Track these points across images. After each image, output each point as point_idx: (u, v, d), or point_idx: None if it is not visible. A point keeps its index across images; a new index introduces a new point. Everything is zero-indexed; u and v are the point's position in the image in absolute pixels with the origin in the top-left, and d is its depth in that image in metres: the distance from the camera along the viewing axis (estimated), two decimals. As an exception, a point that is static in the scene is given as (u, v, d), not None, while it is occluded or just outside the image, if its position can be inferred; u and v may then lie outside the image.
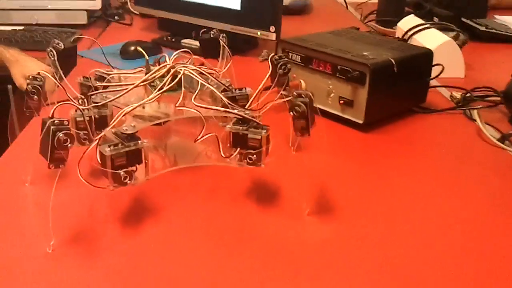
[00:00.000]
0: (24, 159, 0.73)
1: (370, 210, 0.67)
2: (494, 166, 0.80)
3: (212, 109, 0.66)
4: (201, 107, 0.64)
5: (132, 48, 1.28)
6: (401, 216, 0.66)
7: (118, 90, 0.68)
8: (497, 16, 1.72)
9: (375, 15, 1.72)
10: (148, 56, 0.72)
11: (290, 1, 1.82)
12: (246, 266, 0.56)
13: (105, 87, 0.72)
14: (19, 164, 0.73)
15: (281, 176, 0.73)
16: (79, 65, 0.78)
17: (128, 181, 0.57)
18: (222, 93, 0.69)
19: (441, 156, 0.83)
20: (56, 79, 0.67)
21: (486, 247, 0.60)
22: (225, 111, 0.64)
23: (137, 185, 0.59)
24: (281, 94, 0.78)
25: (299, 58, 0.97)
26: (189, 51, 0.77)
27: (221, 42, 0.85)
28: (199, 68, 0.72)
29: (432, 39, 1.19)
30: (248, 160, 0.61)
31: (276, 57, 0.82)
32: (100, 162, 0.56)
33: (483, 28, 1.53)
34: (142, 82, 0.67)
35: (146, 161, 0.59)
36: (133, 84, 0.67)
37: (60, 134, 0.52)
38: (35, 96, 0.64)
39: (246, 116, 0.62)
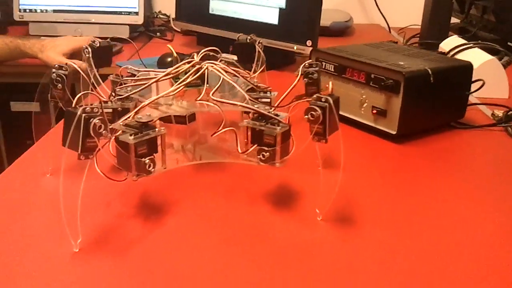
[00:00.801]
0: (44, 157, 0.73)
1: (390, 223, 0.62)
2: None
3: (232, 103, 0.64)
4: (220, 101, 0.63)
5: (169, 59, 1.29)
6: (421, 234, 0.60)
7: (143, 84, 0.68)
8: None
9: (418, 38, 1.68)
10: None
11: (331, 22, 1.81)
12: (258, 266, 0.53)
13: (131, 82, 0.72)
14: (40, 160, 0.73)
15: (303, 180, 0.70)
16: (115, 70, 0.79)
17: (152, 169, 0.56)
18: (247, 92, 0.67)
19: (478, 174, 0.77)
20: (83, 73, 0.67)
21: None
22: (245, 106, 0.62)
23: (155, 174, 0.57)
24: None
25: (332, 68, 0.94)
26: (219, 50, 0.76)
27: (257, 48, 0.84)
28: (227, 67, 0.71)
29: (475, 57, 1.14)
30: (262, 157, 0.58)
31: (307, 64, 0.80)
32: (119, 153, 0.55)
33: (530, 52, 1.47)
34: (166, 75, 0.66)
35: (163, 149, 0.58)
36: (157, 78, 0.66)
37: (96, 120, 0.51)
38: (59, 85, 0.64)
39: (264, 112, 0.60)
